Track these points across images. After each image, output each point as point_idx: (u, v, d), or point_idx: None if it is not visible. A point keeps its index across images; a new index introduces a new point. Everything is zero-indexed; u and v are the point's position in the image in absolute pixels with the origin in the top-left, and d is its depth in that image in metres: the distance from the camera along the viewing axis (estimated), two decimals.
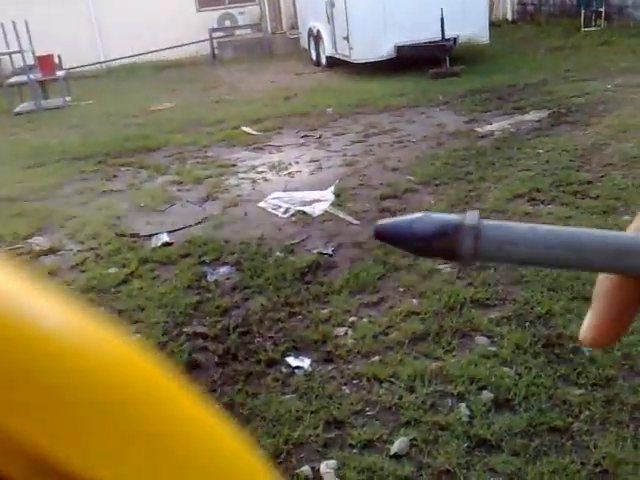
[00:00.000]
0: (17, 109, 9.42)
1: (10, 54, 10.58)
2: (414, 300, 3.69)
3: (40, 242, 4.87)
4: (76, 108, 9.10)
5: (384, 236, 0.32)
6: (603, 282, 0.31)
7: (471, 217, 0.30)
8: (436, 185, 5.32)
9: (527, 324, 3.35)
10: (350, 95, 8.36)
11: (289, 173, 6.01)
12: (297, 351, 3.38)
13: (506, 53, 10.97)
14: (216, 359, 3.39)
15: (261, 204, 5.35)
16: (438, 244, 0.30)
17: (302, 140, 6.92)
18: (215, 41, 16.16)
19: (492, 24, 11.30)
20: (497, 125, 6.77)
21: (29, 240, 4.90)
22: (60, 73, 9.95)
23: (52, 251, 4.73)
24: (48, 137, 7.55)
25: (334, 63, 10.21)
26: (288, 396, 3.05)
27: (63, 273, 4.39)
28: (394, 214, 4.83)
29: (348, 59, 9.64)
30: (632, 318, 0.31)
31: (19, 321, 0.19)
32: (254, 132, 7.22)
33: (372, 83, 8.89)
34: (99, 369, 0.20)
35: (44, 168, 6.48)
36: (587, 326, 0.31)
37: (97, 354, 0.21)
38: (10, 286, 0.20)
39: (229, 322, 3.68)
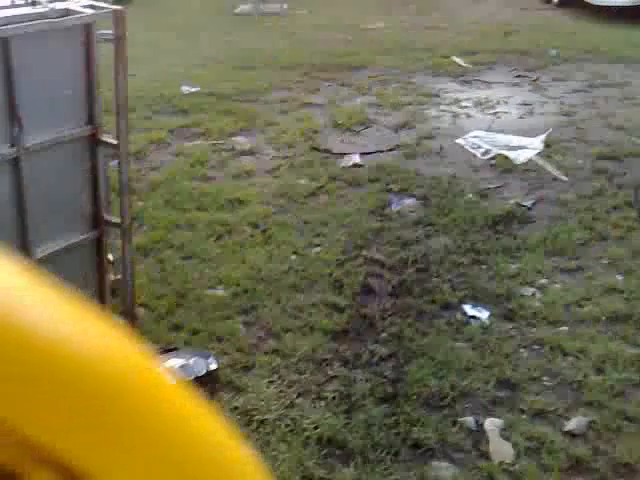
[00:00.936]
0: (237, 10, 9.76)
1: None
2: (619, 276, 3.30)
3: (241, 142, 5.04)
4: (291, 17, 9.20)
5: None
6: None
7: None
8: None
9: None
10: (579, 39, 7.55)
11: (495, 113, 5.61)
12: (476, 301, 3.19)
13: None
14: (389, 289, 3.31)
15: (459, 141, 5.06)
16: None
17: (515, 80, 6.41)
18: None
19: None
20: None
21: (232, 138, 5.09)
22: None
23: (251, 152, 4.88)
24: (261, 42, 7.73)
25: (568, 1, 9.24)
26: (460, 344, 2.90)
27: (258, 176, 4.52)
28: (611, 178, 4.32)
29: None
30: None
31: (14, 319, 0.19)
32: (464, 64, 6.81)
33: (609, 30, 7.94)
34: (90, 362, 0.20)
35: (253, 72, 6.66)
36: None
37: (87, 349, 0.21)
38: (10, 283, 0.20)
39: (408, 255, 3.57)
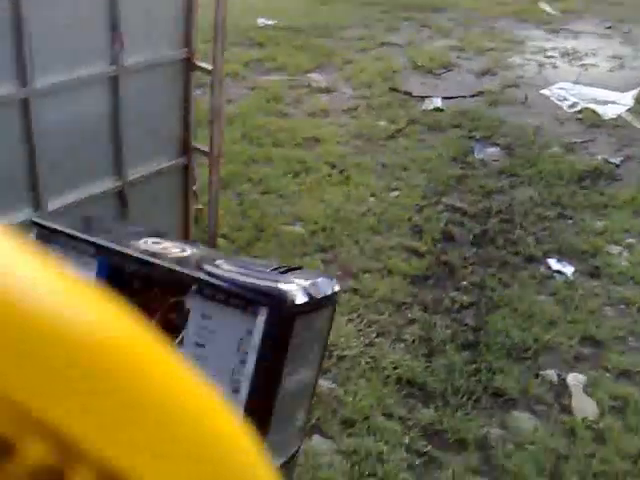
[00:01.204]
0: None
1: None
2: None
3: (317, 79, 4.94)
4: None
5: None
6: None
7: None
8: None
9: None
10: None
11: (583, 65, 5.34)
12: (560, 255, 3.10)
13: None
14: (471, 238, 3.24)
15: (545, 91, 4.84)
16: None
17: (606, 31, 6.06)
18: None
19: None
20: None
21: (308, 75, 5.00)
22: None
23: (327, 90, 4.79)
24: None
25: None
26: (544, 297, 2.84)
27: (335, 115, 4.44)
28: None
29: None
30: None
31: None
32: (552, 11, 6.47)
33: None
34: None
35: (330, 6, 6.48)
36: None
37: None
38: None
39: (491, 205, 3.48)
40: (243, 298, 0.99)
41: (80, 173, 2.39)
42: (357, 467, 1.99)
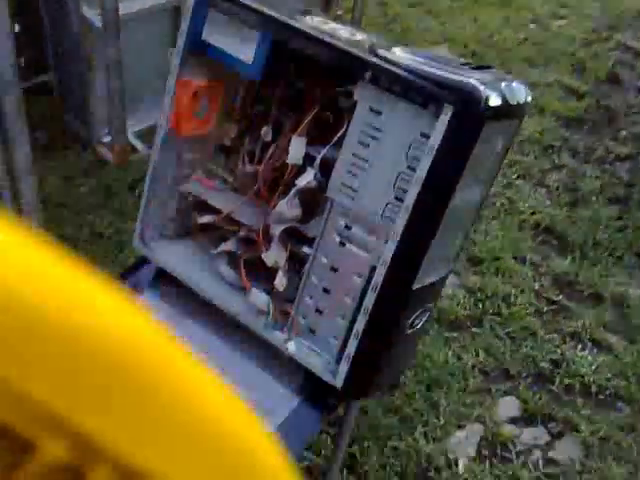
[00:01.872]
0: None
1: None
2: None
3: None
4: None
5: None
6: None
7: None
8: None
9: None
10: None
11: None
12: None
13: None
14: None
15: None
16: None
17: None
18: None
19: None
20: None
21: None
22: None
23: None
24: None
25: None
26: None
27: None
28: None
29: None
30: None
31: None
32: None
33: None
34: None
35: None
36: None
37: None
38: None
39: None
40: (425, 92, 0.85)
41: None
42: (481, 304, 1.92)
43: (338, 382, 0.99)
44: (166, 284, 1.17)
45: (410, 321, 0.98)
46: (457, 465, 1.46)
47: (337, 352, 1.01)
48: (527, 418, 1.62)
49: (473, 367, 1.73)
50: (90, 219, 1.97)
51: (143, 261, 1.20)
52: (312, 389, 1.03)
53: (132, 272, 1.20)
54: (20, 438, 0.19)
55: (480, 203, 1.03)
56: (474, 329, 1.85)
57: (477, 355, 1.76)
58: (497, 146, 0.93)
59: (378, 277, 0.93)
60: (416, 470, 1.42)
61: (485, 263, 2.08)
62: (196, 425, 0.22)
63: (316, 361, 1.03)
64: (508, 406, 1.65)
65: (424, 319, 1.03)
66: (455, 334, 1.83)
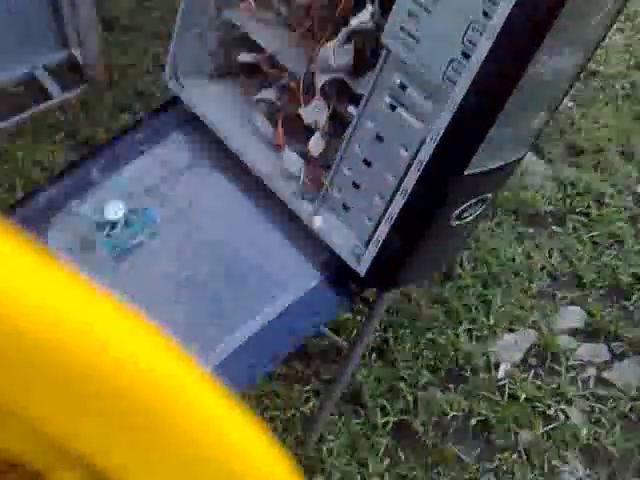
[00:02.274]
0: None
1: None
2: None
3: None
4: None
5: None
6: None
7: None
8: None
9: None
10: None
11: None
12: None
13: None
14: None
15: None
16: None
17: None
18: None
19: None
20: None
21: None
22: None
23: None
24: None
25: None
26: None
27: None
28: None
29: None
30: None
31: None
32: None
33: None
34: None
35: None
36: None
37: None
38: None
39: None
40: None
41: None
42: (569, 201, 1.69)
43: (362, 268, 0.86)
44: (194, 132, 1.04)
45: (457, 212, 0.81)
46: (497, 369, 1.34)
47: (369, 235, 0.86)
48: (589, 332, 1.45)
49: (542, 268, 1.55)
50: (155, 49, 1.83)
51: (172, 102, 1.06)
52: (335, 272, 0.91)
53: (158, 114, 1.07)
54: (31, 470, 0.19)
55: (574, 75, 0.80)
56: (554, 227, 1.64)
57: (550, 256, 1.57)
58: None
59: (425, 154, 0.75)
60: (450, 367, 1.31)
61: (585, 154, 1.81)
62: (207, 464, 0.22)
63: (342, 242, 0.89)
64: (571, 316, 1.47)
65: (478, 211, 0.86)
66: (531, 230, 1.63)
